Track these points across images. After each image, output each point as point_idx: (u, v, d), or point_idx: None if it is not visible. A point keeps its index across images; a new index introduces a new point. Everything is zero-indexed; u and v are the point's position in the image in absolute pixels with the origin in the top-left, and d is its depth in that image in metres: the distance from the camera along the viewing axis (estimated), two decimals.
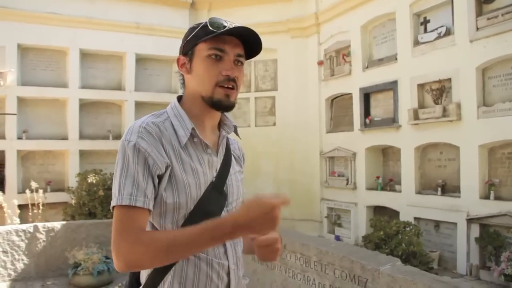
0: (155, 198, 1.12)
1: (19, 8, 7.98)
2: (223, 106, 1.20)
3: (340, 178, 8.49)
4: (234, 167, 1.33)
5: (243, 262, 1.32)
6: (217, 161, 1.25)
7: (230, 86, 1.19)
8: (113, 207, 1.09)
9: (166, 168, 1.12)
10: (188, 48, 1.22)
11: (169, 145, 1.15)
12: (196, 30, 1.20)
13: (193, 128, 1.19)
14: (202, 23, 1.20)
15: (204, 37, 1.17)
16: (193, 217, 1.14)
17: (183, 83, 1.28)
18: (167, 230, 1.14)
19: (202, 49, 1.19)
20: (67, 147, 8.51)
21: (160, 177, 1.12)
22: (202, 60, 1.19)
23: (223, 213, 1.21)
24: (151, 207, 1.09)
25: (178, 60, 1.26)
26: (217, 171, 1.24)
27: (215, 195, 1.19)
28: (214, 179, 1.21)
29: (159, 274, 1.15)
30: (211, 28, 1.16)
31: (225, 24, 1.17)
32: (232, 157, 1.34)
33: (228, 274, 1.20)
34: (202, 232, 1.02)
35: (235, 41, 1.20)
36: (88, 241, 5.26)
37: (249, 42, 1.22)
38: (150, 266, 1.09)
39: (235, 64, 1.20)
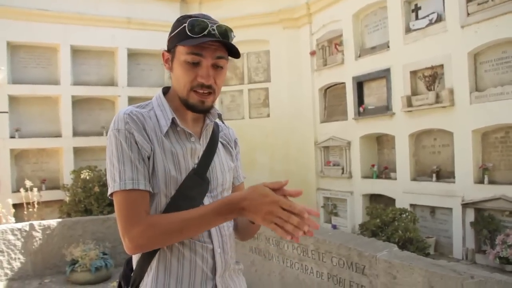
0: None
1: (8, 5, 7.86)
2: (197, 110, 1.22)
3: (335, 167, 8.51)
4: (221, 153, 1.33)
5: (236, 247, 1.32)
6: (200, 149, 1.26)
7: (206, 92, 1.19)
8: (112, 193, 1.13)
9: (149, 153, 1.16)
10: (170, 46, 1.22)
11: (153, 132, 1.18)
12: (179, 28, 1.18)
13: (173, 118, 1.21)
14: (186, 19, 1.17)
15: (182, 41, 1.16)
16: (175, 202, 1.17)
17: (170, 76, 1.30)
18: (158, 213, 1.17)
19: (181, 53, 1.18)
20: (61, 145, 8.47)
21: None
22: (180, 64, 1.19)
23: (206, 199, 1.23)
24: (151, 189, 1.14)
25: (163, 54, 1.27)
26: (199, 157, 1.25)
27: (196, 181, 1.21)
28: (195, 165, 1.23)
29: (145, 260, 1.19)
30: (189, 34, 1.15)
31: (207, 27, 1.14)
32: (220, 144, 1.35)
33: (213, 257, 1.21)
34: (211, 210, 1.09)
35: (215, 44, 1.17)
36: (85, 237, 5.24)
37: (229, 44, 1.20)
38: (163, 245, 1.15)
39: (214, 69, 1.19)
